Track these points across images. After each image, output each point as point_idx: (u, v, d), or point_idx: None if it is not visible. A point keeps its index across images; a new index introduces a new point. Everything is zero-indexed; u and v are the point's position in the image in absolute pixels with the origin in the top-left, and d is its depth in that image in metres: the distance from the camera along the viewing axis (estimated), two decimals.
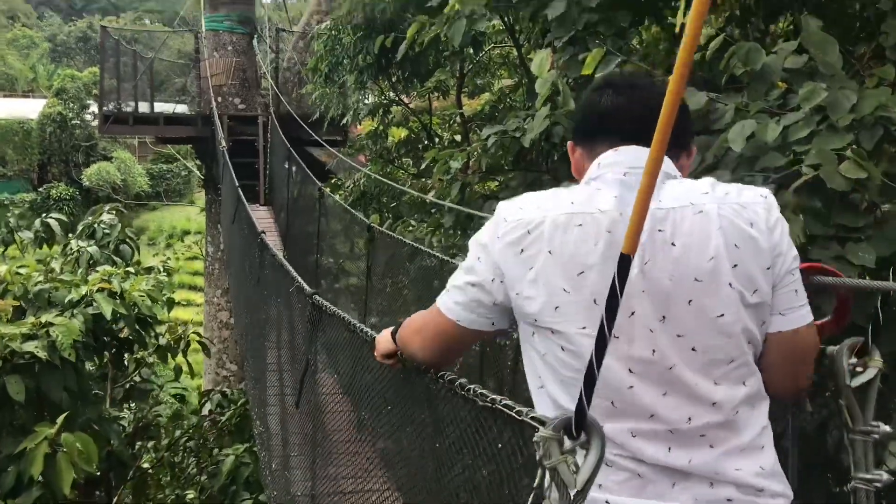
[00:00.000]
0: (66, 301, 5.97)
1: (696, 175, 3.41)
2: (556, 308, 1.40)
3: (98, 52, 17.93)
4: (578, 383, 1.27)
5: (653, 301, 1.38)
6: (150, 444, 8.59)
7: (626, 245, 0.92)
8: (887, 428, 1.39)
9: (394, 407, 2.12)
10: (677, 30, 4.41)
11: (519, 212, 1.47)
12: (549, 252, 1.40)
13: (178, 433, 8.73)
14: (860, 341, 1.43)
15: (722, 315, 1.38)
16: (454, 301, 1.56)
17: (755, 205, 1.44)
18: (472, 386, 1.45)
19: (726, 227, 1.40)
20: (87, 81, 31.77)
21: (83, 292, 6.00)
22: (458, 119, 9.92)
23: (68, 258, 7.70)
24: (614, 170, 1.49)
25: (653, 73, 3.99)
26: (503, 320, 1.54)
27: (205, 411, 9.65)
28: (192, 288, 26.35)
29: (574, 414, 1.03)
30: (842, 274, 1.76)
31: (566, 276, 1.39)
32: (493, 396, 1.35)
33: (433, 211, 6.70)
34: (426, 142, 10.25)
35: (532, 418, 1.14)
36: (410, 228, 8.14)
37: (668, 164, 1.49)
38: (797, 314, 1.45)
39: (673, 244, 1.38)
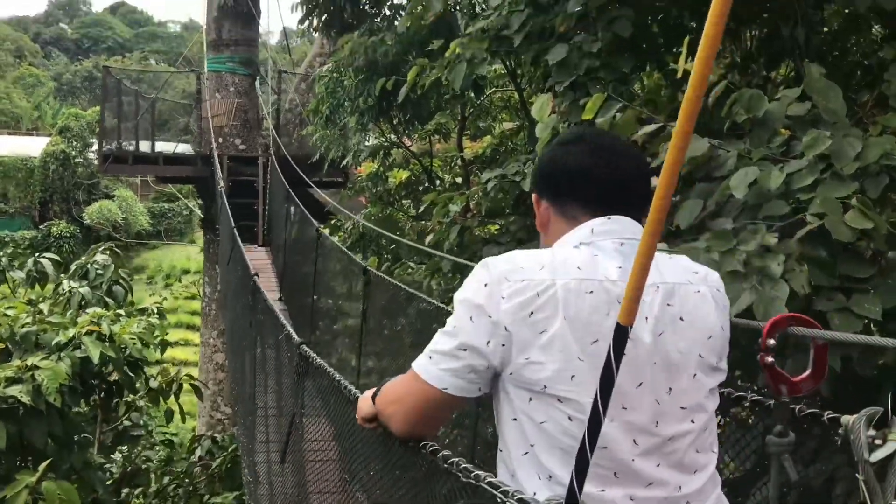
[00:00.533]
0: (53, 343, 5.85)
1: (699, 222, 3.38)
2: (573, 377, 1.37)
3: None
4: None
5: (664, 373, 1.42)
6: (138, 490, 8.39)
7: (623, 316, 0.85)
8: None
9: (380, 467, 2.01)
10: (679, 75, 4.38)
11: (521, 272, 1.42)
12: (565, 318, 1.37)
13: (166, 480, 8.53)
14: (879, 411, 1.33)
15: (712, 389, 1.50)
16: (441, 368, 1.46)
17: (723, 290, 1.56)
18: (455, 459, 1.36)
19: (717, 308, 1.52)
20: (90, 120, 31.98)
21: (71, 335, 5.89)
22: (458, 162, 9.91)
23: (59, 299, 7.59)
24: (610, 238, 1.49)
25: (655, 119, 3.94)
26: (488, 385, 1.47)
27: (198, 455, 9.46)
28: (191, 328, 26.19)
29: (565, 500, 0.93)
30: (820, 325, 1.70)
31: (581, 344, 1.37)
32: (477, 472, 1.27)
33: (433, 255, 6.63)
34: (427, 184, 10.23)
35: (519, 500, 1.04)
36: (409, 271, 8.07)
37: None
38: None
39: (681, 319, 1.44)
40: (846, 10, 4.75)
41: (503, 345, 1.40)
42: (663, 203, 0.77)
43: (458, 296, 1.48)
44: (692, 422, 1.44)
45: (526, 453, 1.41)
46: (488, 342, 1.40)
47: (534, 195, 1.65)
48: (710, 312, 1.48)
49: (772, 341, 1.68)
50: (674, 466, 1.42)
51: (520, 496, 1.07)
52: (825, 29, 4.93)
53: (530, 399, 1.40)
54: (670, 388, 1.41)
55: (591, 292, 1.38)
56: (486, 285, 1.43)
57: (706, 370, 1.47)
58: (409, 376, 1.53)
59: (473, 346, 1.42)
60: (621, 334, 0.92)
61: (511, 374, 1.41)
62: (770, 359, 1.66)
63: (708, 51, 0.68)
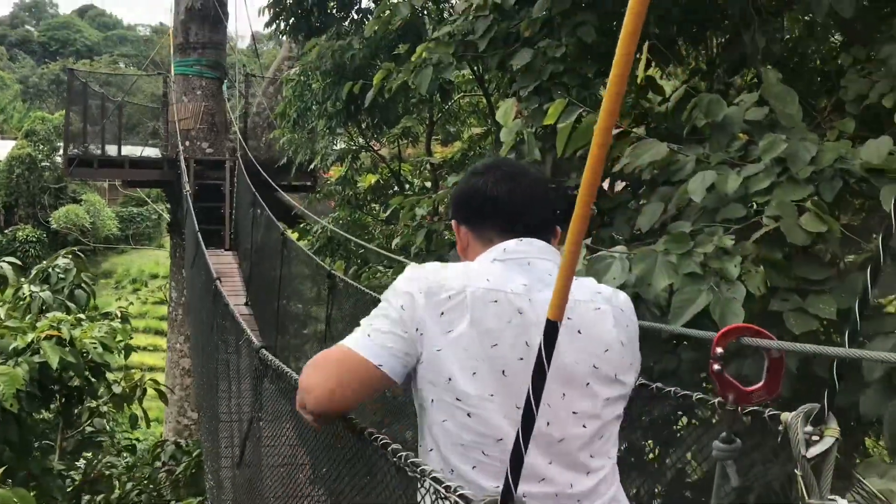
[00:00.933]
0: (10, 349, 5.73)
1: (660, 225, 3.41)
2: (474, 374, 1.50)
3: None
4: (478, 447, 1.49)
5: (557, 380, 1.54)
6: (100, 497, 8.25)
7: (552, 312, 0.88)
8: (844, 502, 1.31)
9: (347, 471, 2.02)
10: (639, 81, 4.43)
11: (438, 276, 1.58)
12: (470, 321, 1.52)
13: (129, 486, 8.40)
14: (816, 408, 1.35)
15: (608, 399, 1.60)
16: (379, 344, 1.55)
17: (628, 310, 1.70)
18: (403, 453, 1.41)
19: (617, 325, 1.64)
20: (57, 124, 31.48)
21: (30, 339, 5.77)
22: (427, 166, 9.92)
23: (19, 304, 7.44)
24: (519, 258, 1.65)
25: (618, 124, 3.97)
26: (407, 374, 1.59)
27: (162, 461, 9.34)
28: (159, 333, 25.91)
29: (500, 495, 0.96)
30: (773, 336, 1.72)
31: (481, 347, 1.51)
32: (424, 467, 1.33)
33: (402, 258, 6.62)
34: (396, 188, 10.21)
35: (460, 496, 1.07)
36: (378, 275, 8.04)
37: (558, 256, 1.70)
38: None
39: (579, 332, 1.58)
40: (805, 18, 4.82)
41: (421, 334, 1.54)
42: (588, 199, 0.78)
43: (390, 288, 1.63)
44: (584, 426, 1.56)
45: (432, 449, 1.56)
46: (416, 329, 1.55)
47: (453, 222, 1.82)
48: (609, 328, 1.62)
49: (720, 350, 1.71)
50: (565, 466, 1.54)
51: (461, 492, 1.10)
52: (787, 36, 5.00)
53: (432, 400, 1.54)
54: (564, 394, 1.54)
55: (496, 302, 1.54)
56: (412, 281, 1.59)
57: (602, 381, 1.59)
58: (338, 352, 1.59)
59: (407, 330, 1.55)
60: (552, 329, 0.95)
61: (423, 363, 1.55)
62: (717, 367, 1.69)
63: (626, 48, 0.69)
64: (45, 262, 8.37)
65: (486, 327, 1.51)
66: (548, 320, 0.96)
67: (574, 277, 1.58)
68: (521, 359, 1.49)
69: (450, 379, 1.51)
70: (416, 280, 1.58)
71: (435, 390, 1.53)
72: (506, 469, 1.43)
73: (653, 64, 4.98)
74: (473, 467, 1.47)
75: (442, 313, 1.53)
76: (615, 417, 1.64)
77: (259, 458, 3.09)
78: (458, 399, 1.50)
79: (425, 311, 1.54)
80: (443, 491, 1.21)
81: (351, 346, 1.56)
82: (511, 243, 1.68)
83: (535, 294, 1.57)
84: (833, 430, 1.32)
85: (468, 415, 1.50)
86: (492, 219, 1.72)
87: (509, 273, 1.61)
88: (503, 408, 1.48)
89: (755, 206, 3.16)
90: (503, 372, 1.50)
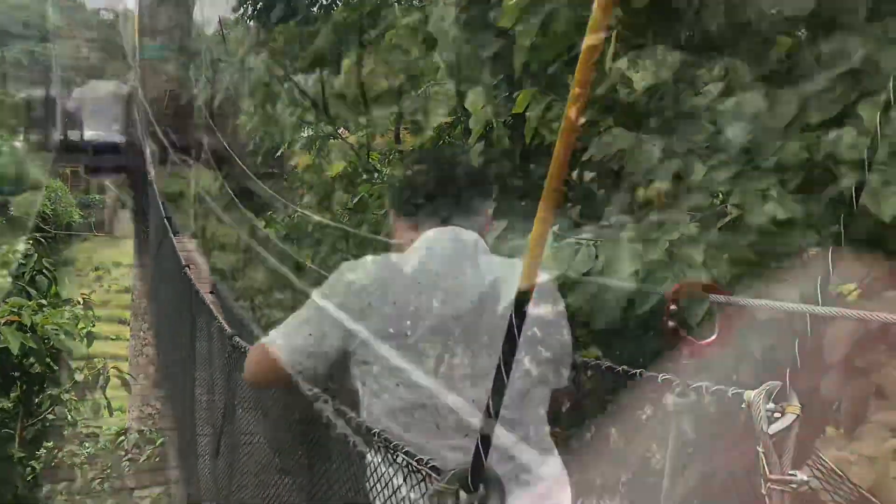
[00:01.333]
0: None
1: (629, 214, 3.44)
2: (399, 348, 1.68)
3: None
4: (409, 412, 1.67)
5: (476, 345, 1.71)
6: (61, 486, 8.11)
7: (524, 280, 0.96)
8: (804, 476, 1.35)
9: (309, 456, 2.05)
10: (607, 70, 4.46)
11: (363, 270, 1.77)
12: (394, 303, 1.70)
13: (91, 474, 8.29)
14: (778, 385, 1.38)
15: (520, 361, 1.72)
16: (292, 347, 1.78)
17: (549, 291, 1.85)
18: (376, 430, 1.50)
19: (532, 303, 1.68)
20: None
21: None
22: (397, 155, 9.88)
23: None
24: (442, 244, 1.80)
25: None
26: (331, 367, 1.79)
27: (125, 449, 9.23)
28: (123, 322, 25.51)
29: (471, 466, 0.97)
30: (730, 292, 1.78)
31: (403, 325, 1.69)
32: (396, 443, 1.41)
33: (374, 247, 6.60)
34: (364, 176, 10.16)
35: (431, 468, 1.09)
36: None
37: (482, 243, 1.86)
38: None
39: (495, 310, 1.72)
40: (772, 13, 4.88)
41: (343, 330, 1.72)
42: (561, 170, 0.79)
43: (321, 288, 1.79)
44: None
45: (373, 417, 1.71)
46: (332, 327, 1.73)
47: (391, 212, 1.98)
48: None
49: (674, 307, 1.76)
50: None
51: (433, 464, 1.13)
52: (756, 29, 5.05)
53: (372, 374, 1.71)
54: (484, 355, 1.69)
55: (420, 282, 1.71)
56: (337, 280, 1.78)
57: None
58: (258, 349, 1.90)
59: (321, 331, 1.74)
60: (523, 298, 0.99)
61: (354, 350, 1.73)
62: (672, 323, 1.74)
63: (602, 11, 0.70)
64: (4, 247, 8.20)
65: (403, 308, 1.69)
66: (518, 290, 1.00)
67: (511, 264, 1.80)
68: (443, 333, 1.68)
69: (376, 357, 1.70)
70: (344, 274, 1.76)
71: (367, 368, 1.72)
72: (433, 427, 1.66)
73: (622, 55, 5.01)
74: (406, 430, 1.66)
75: (370, 304, 1.71)
76: (539, 381, 1.77)
77: (233, 447, 3.07)
78: (386, 371, 1.69)
79: (353, 303, 1.72)
80: (415, 464, 1.27)
81: (267, 345, 1.83)
82: (433, 232, 1.84)
83: (451, 275, 1.74)
84: (794, 407, 1.35)
85: (396, 385, 1.69)
86: (420, 209, 1.87)
87: (430, 258, 1.77)
88: (428, 376, 1.67)
89: (720, 195, 3.21)
90: (426, 346, 1.69)
